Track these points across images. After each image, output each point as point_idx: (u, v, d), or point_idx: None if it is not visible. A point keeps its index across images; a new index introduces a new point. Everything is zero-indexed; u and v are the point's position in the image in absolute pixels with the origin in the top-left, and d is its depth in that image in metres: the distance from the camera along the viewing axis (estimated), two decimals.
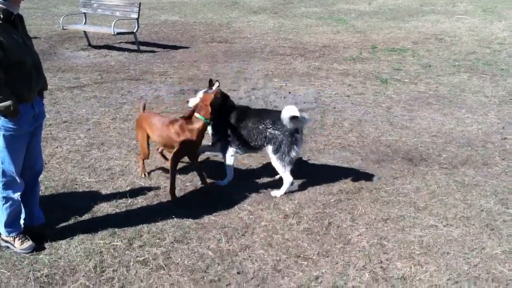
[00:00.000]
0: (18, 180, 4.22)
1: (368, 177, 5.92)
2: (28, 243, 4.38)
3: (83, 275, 4.09)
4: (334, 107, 8.45)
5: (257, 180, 5.84)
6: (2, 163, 4.10)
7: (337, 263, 4.32)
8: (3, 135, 3.99)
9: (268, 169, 6.06)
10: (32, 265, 4.20)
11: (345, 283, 4.07)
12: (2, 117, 3.93)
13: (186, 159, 5.79)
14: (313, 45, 13.53)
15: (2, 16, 3.85)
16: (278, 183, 5.64)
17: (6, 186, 4.20)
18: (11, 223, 4.35)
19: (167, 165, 5.60)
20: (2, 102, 3.84)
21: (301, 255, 4.42)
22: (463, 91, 9.41)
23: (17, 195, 4.27)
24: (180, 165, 6.00)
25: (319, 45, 13.48)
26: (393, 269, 4.24)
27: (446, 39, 14.29)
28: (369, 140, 7.06)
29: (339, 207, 5.25)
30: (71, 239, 4.55)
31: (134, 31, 12.56)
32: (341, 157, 6.46)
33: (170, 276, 4.12)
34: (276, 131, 5.38)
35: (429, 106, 8.59)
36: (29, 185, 4.43)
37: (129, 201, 5.28)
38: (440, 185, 5.75)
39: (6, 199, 4.24)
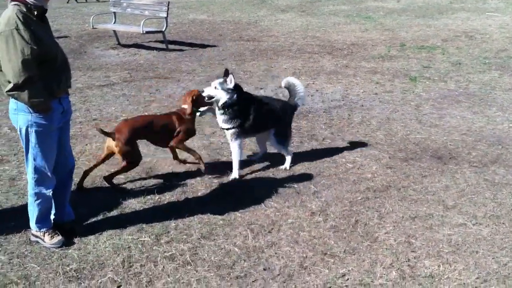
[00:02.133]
0: (50, 176, 4.28)
1: (396, 175, 5.87)
2: (58, 238, 4.44)
3: (111, 270, 4.14)
4: (362, 105, 8.40)
5: (283, 177, 5.84)
6: (34, 160, 4.15)
7: (364, 261, 4.29)
8: (35, 131, 4.05)
9: (294, 166, 6.06)
10: (61, 259, 4.27)
11: (372, 281, 4.04)
12: (34, 114, 3.98)
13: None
14: (341, 43, 13.47)
15: (36, 12, 3.92)
16: (302, 180, 5.67)
17: (38, 183, 4.25)
18: (42, 219, 4.41)
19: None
20: (37, 98, 3.89)
21: (328, 253, 4.40)
22: (493, 89, 9.27)
23: (49, 192, 4.32)
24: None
25: (347, 43, 13.41)
26: (421, 268, 4.20)
27: (476, 36, 14.08)
28: (397, 138, 7.00)
29: (366, 205, 5.22)
30: (100, 234, 4.61)
31: (163, 30, 12.66)
32: (369, 155, 6.41)
33: (196, 271, 4.14)
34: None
35: (459, 104, 8.48)
36: (62, 182, 4.49)
37: (157, 197, 5.32)
38: (470, 183, 5.68)
39: (38, 195, 4.29)
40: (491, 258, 4.32)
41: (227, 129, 5.74)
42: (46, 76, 3.96)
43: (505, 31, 14.66)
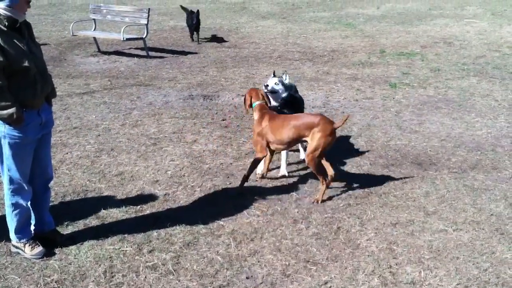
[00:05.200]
0: (26, 187, 4.23)
1: (377, 181, 5.91)
2: (39, 248, 4.40)
3: (93, 281, 4.11)
4: (343, 112, 8.45)
5: (265, 185, 5.84)
6: (8, 171, 4.10)
7: (346, 268, 4.31)
8: (8, 143, 3.98)
9: (276, 174, 6.07)
10: (42, 270, 4.22)
11: None
12: (6, 125, 3.91)
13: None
14: (322, 49, 13.54)
15: (6, 23, 3.85)
16: (284, 187, 5.67)
17: (14, 193, 4.21)
18: (21, 229, 4.37)
19: None
20: (5, 109, 3.81)
21: (310, 260, 4.41)
22: (472, 95, 9.38)
23: (26, 202, 4.28)
24: (184, 169, 6.04)
25: (327, 50, 13.49)
26: (403, 274, 4.23)
27: (455, 43, 14.25)
28: (378, 144, 7.05)
29: (348, 211, 5.25)
30: (81, 244, 4.57)
31: (143, 37, 12.63)
32: (350, 162, 6.45)
33: (179, 281, 4.12)
34: None
35: (438, 110, 8.56)
36: (39, 192, 4.44)
37: (138, 206, 5.30)
38: (450, 189, 5.74)
39: (15, 205, 4.25)
40: (472, 264, 4.37)
41: None
42: (18, 87, 3.90)
43: (483, 38, 14.86)
